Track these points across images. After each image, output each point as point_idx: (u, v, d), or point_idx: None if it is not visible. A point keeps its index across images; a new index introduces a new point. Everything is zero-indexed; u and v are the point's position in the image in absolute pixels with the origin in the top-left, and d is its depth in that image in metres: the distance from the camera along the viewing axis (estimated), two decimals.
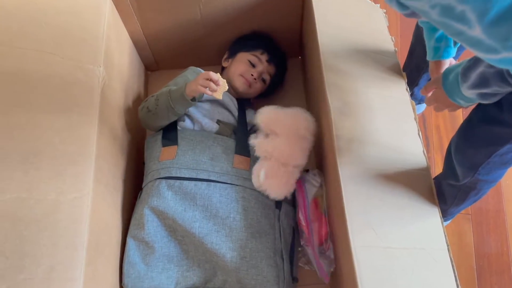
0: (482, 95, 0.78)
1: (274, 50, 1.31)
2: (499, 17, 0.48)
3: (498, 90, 0.73)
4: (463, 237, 1.41)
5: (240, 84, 1.24)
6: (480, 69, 0.73)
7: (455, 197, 1.12)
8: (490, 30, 0.50)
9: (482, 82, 0.74)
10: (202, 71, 1.24)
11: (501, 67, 0.63)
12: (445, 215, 1.24)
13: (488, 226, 1.43)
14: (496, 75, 0.70)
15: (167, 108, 1.08)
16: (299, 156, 1.06)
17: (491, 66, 0.69)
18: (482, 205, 1.44)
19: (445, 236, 0.83)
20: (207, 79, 1.02)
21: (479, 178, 1.00)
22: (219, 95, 1.04)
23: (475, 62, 0.75)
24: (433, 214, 0.87)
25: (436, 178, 1.18)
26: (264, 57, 1.26)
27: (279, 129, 1.05)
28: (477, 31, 0.51)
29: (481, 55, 0.56)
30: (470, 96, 0.80)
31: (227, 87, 1.05)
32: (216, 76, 1.03)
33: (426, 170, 0.91)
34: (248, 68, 1.25)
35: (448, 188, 1.12)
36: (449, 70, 0.87)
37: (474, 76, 0.75)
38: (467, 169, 0.99)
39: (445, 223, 1.38)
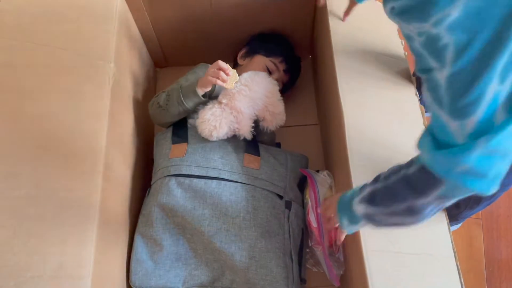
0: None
1: (293, 60, 1.30)
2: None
3: (409, 206, 0.68)
4: (474, 242, 1.40)
5: None
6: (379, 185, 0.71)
7: (469, 200, 1.10)
8: (452, 79, 0.49)
9: (391, 196, 0.70)
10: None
11: (428, 132, 0.59)
12: (457, 218, 1.23)
13: (499, 231, 1.41)
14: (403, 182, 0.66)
15: (178, 104, 1.07)
16: (242, 104, 1.05)
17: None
18: (493, 210, 1.43)
19: (452, 243, 0.82)
20: (217, 69, 1.02)
21: None
22: (230, 85, 1.03)
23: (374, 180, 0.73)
24: (440, 220, 0.86)
25: None
26: (282, 66, 1.24)
27: (244, 81, 1.08)
28: (443, 74, 0.49)
29: (431, 105, 0.54)
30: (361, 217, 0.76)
31: (238, 77, 1.04)
32: (226, 65, 1.02)
33: None
34: None
35: None
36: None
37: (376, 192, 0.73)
38: None
39: (457, 226, 1.37)
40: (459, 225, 1.37)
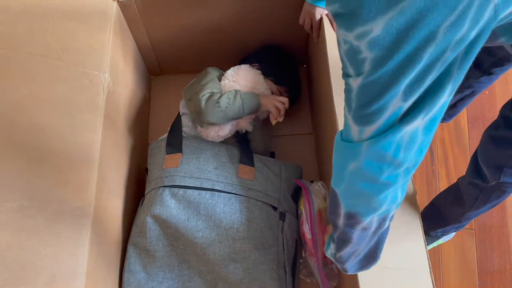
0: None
1: (297, 90, 1.32)
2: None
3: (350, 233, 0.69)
4: (466, 253, 1.40)
5: None
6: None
7: (476, 198, 1.09)
8: (363, 89, 0.51)
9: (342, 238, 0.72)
10: (222, 71, 1.21)
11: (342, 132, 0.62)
12: (461, 220, 1.21)
13: (492, 242, 1.42)
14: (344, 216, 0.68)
15: (238, 110, 1.08)
16: None
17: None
18: (486, 221, 1.43)
19: (428, 259, 0.86)
20: (283, 104, 1.11)
21: (506, 180, 0.99)
22: (274, 121, 1.14)
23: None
24: (417, 238, 0.88)
25: (457, 181, 1.16)
26: (285, 95, 1.25)
27: (232, 78, 1.15)
28: (356, 82, 0.51)
29: (344, 107, 0.57)
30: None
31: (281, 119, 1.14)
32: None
33: (413, 195, 0.92)
34: None
35: (469, 188, 1.09)
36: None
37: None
38: (493, 169, 0.98)
39: (454, 234, 1.37)
40: (458, 230, 1.36)
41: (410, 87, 0.48)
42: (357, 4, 0.45)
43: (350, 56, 0.50)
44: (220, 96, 1.08)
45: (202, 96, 1.08)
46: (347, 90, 0.54)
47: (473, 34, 0.45)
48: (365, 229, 0.65)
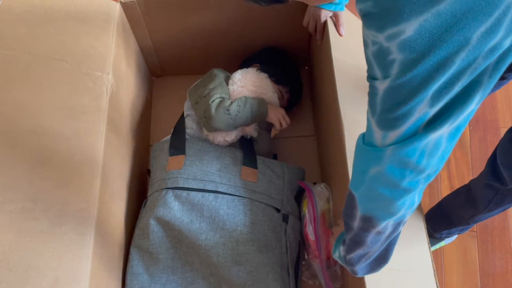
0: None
1: (298, 91, 1.32)
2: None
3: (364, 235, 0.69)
4: (468, 255, 1.41)
5: None
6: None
7: (490, 201, 1.07)
8: (389, 92, 0.50)
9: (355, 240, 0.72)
10: (227, 72, 1.21)
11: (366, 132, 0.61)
12: (469, 222, 1.21)
13: (493, 244, 1.42)
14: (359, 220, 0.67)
15: (246, 118, 1.09)
16: None
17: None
18: (488, 223, 1.43)
19: (432, 261, 0.87)
20: (286, 123, 1.14)
21: None
22: (273, 133, 1.18)
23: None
24: (422, 241, 0.89)
25: (469, 183, 1.15)
26: (286, 96, 1.26)
27: (240, 83, 1.15)
28: (383, 85, 0.50)
29: (368, 110, 0.56)
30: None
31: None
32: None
33: None
34: None
35: (485, 190, 1.08)
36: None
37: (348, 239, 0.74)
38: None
39: (461, 233, 1.37)
40: (462, 233, 1.35)
41: (438, 93, 0.47)
42: (391, 3, 0.44)
43: (379, 57, 0.49)
44: (231, 103, 1.07)
45: (212, 101, 1.07)
46: (372, 93, 0.53)
47: (507, 43, 0.44)
48: (379, 233, 0.65)
